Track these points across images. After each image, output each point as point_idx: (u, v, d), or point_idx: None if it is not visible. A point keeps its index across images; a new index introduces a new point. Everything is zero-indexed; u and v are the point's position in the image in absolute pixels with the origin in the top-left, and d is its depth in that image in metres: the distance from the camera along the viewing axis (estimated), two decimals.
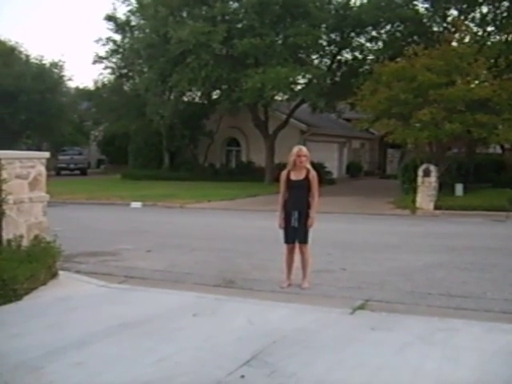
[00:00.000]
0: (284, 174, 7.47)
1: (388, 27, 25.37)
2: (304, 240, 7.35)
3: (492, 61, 19.21)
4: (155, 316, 5.86)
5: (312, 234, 7.40)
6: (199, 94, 29.94)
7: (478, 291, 7.11)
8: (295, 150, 7.45)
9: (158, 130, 31.94)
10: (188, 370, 4.38)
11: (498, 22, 23.68)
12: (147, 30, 27.73)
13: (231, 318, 5.79)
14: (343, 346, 4.96)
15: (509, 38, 22.93)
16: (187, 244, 10.84)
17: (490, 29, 24.12)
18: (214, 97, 29.60)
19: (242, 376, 4.23)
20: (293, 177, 7.36)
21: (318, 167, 29.08)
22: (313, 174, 7.33)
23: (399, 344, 4.94)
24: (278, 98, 26.98)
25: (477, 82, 19.29)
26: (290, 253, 7.45)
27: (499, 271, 8.40)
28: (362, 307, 6.29)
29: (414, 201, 17.86)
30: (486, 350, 4.80)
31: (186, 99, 30.69)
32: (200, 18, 24.24)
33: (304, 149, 7.46)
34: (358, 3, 25.60)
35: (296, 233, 7.34)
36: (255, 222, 14.76)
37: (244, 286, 7.47)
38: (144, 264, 8.88)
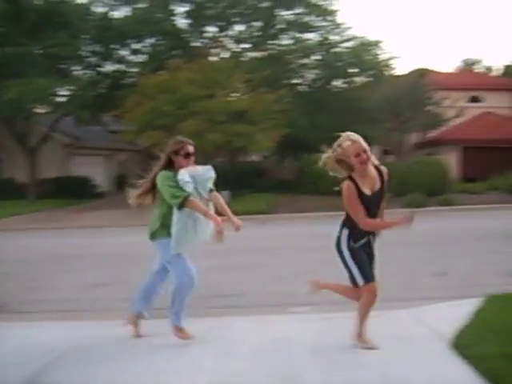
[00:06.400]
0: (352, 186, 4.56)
1: (152, 40, 25.87)
2: None
3: (248, 75, 20.68)
4: None
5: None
6: None
7: (247, 289, 7.68)
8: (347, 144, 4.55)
9: None
10: None
11: (253, 40, 25.63)
12: None
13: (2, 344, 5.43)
14: (124, 356, 4.97)
15: (262, 55, 24.94)
16: None
17: (245, 46, 25.98)
18: None
19: None
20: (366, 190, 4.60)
21: (83, 181, 28.33)
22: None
23: (177, 346, 5.11)
24: (39, 110, 25.71)
25: (235, 94, 20.61)
26: None
27: (262, 270, 9.16)
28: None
29: None
30: (255, 341, 5.22)
31: None
32: None
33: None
34: (120, 15, 25.67)
35: None
36: None
37: (15, 309, 7.08)
38: None
